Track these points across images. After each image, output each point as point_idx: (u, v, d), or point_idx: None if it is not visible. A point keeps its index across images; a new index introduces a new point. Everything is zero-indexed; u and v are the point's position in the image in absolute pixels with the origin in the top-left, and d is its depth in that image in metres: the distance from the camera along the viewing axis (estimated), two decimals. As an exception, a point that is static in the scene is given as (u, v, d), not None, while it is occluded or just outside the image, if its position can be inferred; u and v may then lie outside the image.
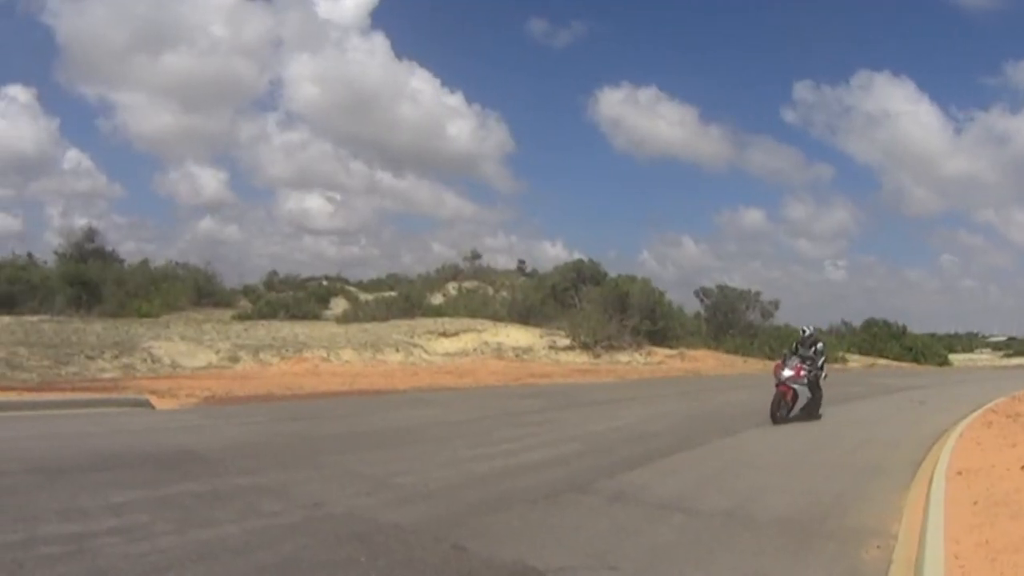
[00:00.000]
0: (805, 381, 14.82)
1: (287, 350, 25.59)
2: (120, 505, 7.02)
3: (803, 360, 14.94)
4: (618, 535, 6.61)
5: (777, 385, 14.65)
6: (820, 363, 15.13)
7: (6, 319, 27.67)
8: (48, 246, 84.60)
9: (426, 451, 10.44)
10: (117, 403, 13.89)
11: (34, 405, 12.81)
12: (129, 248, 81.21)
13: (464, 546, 6.02)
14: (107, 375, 18.12)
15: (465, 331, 32.64)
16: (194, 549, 5.90)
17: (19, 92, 74.95)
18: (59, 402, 13.30)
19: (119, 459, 9.04)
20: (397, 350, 27.80)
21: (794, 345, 15.47)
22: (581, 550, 6.12)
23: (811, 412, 15.23)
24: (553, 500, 7.76)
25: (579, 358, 31.50)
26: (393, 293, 48.05)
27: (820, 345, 15.37)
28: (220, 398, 16.09)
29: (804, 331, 15.51)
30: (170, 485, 7.90)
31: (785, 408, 14.53)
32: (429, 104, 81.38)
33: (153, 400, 14.40)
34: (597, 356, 32.34)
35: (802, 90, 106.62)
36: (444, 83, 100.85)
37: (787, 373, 14.60)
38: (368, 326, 34.72)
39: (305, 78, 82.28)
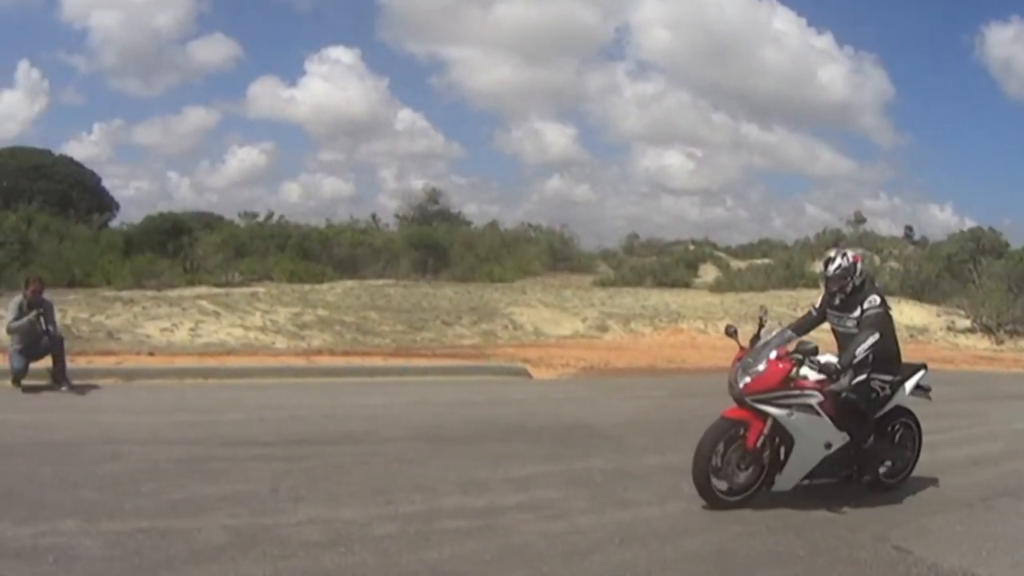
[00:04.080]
0: (810, 399, 7.34)
1: (659, 319, 26.29)
2: (524, 479, 7.67)
3: (838, 335, 8.17)
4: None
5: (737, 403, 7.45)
6: (864, 346, 7.48)
7: (349, 283, 31.62)
8: (382, 209, 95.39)
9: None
10: (491, 371, 15.15)
11: (402, 371, 14.39)
12: (471, 210, 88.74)
13: (907, 548, 6.35)
14: (466, 342, 19.76)
15: (854, 306, 31.93)
16: (615, 531, 6.33)
17: (342, 54, 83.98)
18: (428, 368, 14.83)
19: (509, 430, 9.95)
20: (780, 323, 27.40)
21: (818, 302, 8.48)
22: (1031, 565, 6.39)
23: (863, 469, 7.91)
24: (990, 504, 7.93)
25: (980, 343, 29.76)
26: (767, 260, 48.33)
27: (871, 303, 7.83)
28: (599, 369, 16.83)
29: (831, 262, 8.13)
30: (572, 460, 8.51)
31: (740, 468, 7.28)
32: (795, 47, 79.84)
33: (528, 369, 15.40)
34: (1000, 342, 30.58)
35: None
36: (810, 23, 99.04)
37: (756, 371, 7.38)
38: (745, 296, 35.27)
39: (655, 23, 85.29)
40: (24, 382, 11.44)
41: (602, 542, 6.08)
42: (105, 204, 51.67)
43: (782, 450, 7.37)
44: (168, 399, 11.22)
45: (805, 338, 7.92)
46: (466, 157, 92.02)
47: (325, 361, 14.78)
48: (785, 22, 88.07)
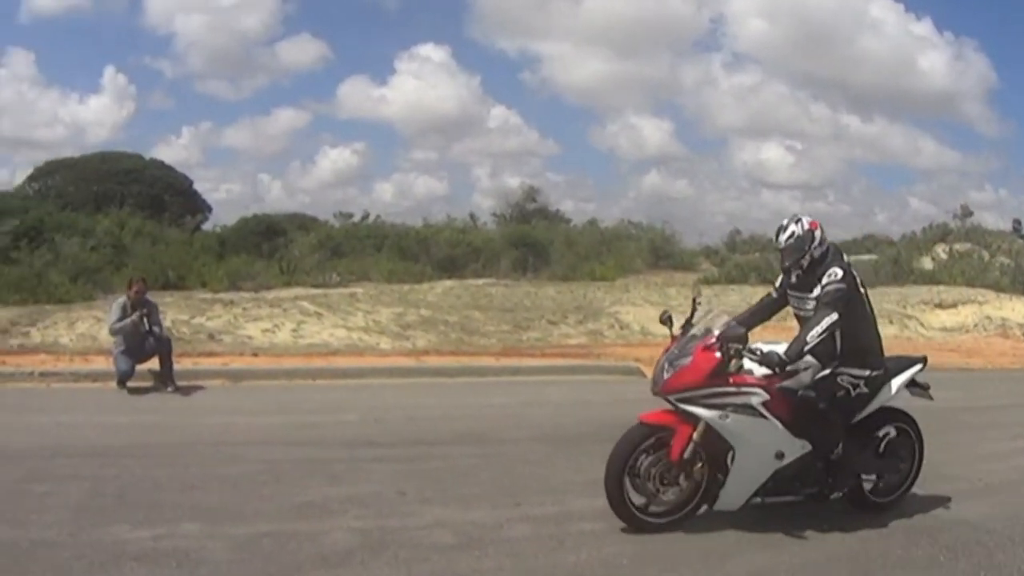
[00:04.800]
0: (751, 398, 6.41)
1: (767, 318, 26.05)
2: (652, 480, 7.51)
3: (800, 322, 7.01)
4: None
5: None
6: (817, 330, 6.39)
7: (448, 283, 32.03)
8: (477, 208, 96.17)
9: (961, 440, 10.41)
10: (603, 370, 15.17)
11: (514, 371, 14.50)
12: (567, 207, 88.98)
13: (1042, 553, 6.33)
14: (572, 341, 19.66)
15: (964, 302, 31.82)
16: (752, 534, 6.40)
17: (431, 52, 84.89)
18: (540, 368, 14.89)
19: (630, 431, 9.75)
20: (891, 321, 26.93)
21: (778, 282, 7.36)
22: None
23: (836, 484, 6.83)
24: None
25: (1091, 343, 28.86)
26: (873, 256, 47.93)
27: (831, 277, 6.65)
28: (713, 369, 16.59)
29: (783, 230, 6.87)
30: (699, 461, 8.38)
31: (664, 484, 6.41)
32: (894, 34, 79.18)
33: (642, 368, 15.21)
34: (1110, 342, 29.71)
35: None
36: (908, 8, 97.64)
37: (681, 364, 6.51)
38: (853, 293, 34.91)
39: (750, 13, 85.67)
40: (129, 384, 11.67)
41: (740, 545, 6.12)
42: (198, 207, 53.16)
43: (729, 459, 6.39)
44: (278, 400, 11.43)
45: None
46: (561, 154, 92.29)
47: (434, 361, 14.94)
48: (882, 9, 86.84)
